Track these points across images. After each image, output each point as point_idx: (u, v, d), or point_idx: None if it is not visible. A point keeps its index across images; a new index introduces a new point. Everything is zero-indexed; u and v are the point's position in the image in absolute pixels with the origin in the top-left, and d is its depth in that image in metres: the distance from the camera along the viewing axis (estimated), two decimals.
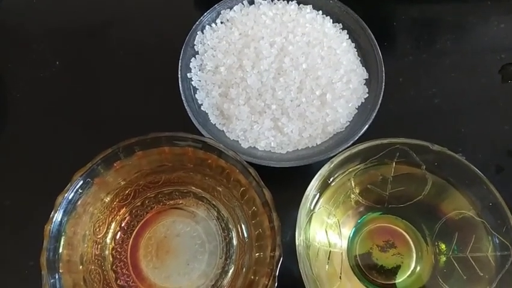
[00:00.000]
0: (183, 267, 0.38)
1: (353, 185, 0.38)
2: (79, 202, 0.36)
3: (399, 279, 0.38)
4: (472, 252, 0.36)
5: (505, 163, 0.45)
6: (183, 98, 0.41)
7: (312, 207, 0.37)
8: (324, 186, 0.37)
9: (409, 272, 0.38)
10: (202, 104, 0.43)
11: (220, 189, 0.39)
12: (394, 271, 0.38)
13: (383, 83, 0.42)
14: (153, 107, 0.47)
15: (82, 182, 0.35)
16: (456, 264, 0.36)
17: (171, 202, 0.40)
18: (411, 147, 0.36)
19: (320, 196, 0.37)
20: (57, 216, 0.34)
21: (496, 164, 0.45)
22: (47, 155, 0.45)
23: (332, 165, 0.36)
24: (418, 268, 0.38)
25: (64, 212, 0.34)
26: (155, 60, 0.48)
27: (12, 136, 0.47)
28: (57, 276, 0.33)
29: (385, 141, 0.36)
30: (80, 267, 0.36)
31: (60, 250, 0.34)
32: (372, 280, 0.38)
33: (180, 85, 0.42)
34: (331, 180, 0.37)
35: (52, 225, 0.33)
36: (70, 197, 0.35)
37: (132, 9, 0.53)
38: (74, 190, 0.35)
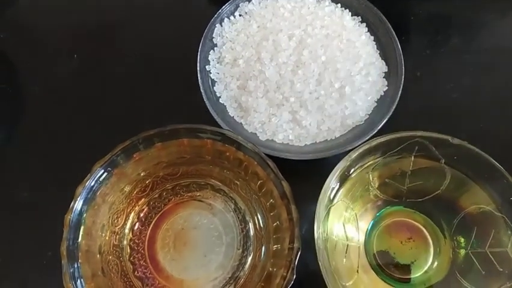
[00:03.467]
0: (200, 259, 0.38)
1: (371, 178, 0.38)
2: (99, 192, 0.36)
3: (417, 273, 0.38)
4: (491, 247, 0.36)
5: None
6: (202, 91, 0.41)
7: (330, 201, 0.37)
8: (342, 180, 0.37)
9: (427, 267, 0.38)
10: (220, 97, 0.43)
11: (238, 182, 0.39)
12: (411, 266, 0.38)
13: (403, 76, 0.42)
14: (172, 99, 0.47)
15: (101, 172, 0.35)
16: (474, 260, 0.36)
17: (189, 194, 0.40)
18: (430, 140, 0.36)
19: (338, 189, 0.37)
20: (77, 206, 0.34)
21: None
22: (66, 148, 0.45)
23: (350, 159, 0.36)
24: (436, 263, 0.38)
25: (84, 201, 0.35)
26: (174, 53, 0.48)
27: (31, 129, 0.47)
28: (76, 266, 0.34)
29: (404, 134, 0.36)
30: (99, 257, 0.36)
31: (80, 240, 0.35)
32: (389, 274, 0.38)
33: (199, 78, 0.42)
34: (349, 173, 0.37)
35: (72, 215, 0.34)
36: (89, 187, 0.35)
37: (151, 2, 0.53)
38: (94, 180, 0.35)
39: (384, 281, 0.38)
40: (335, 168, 0.36)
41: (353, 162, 0.36)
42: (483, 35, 0.52)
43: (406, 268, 0.38)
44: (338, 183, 0.37)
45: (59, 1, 0.54)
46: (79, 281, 0.33)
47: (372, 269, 0.38)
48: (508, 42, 0.51)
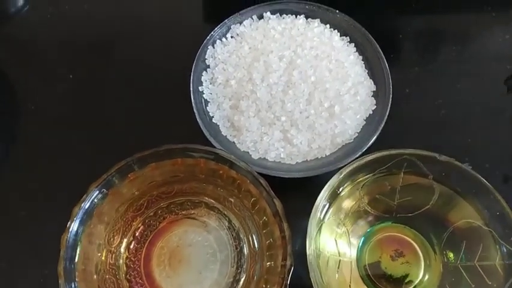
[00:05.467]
0: (195, 276, 0.38)
1: (362, 195, 0.39)
2: (94, 212, 0.36)
3: (408, 287, 0.39)
4: (479, 261, 0.36)
5: None
6: (195, 111, 0.42)
7: (321, 217, 0.37)
8: (333, 197, 0.38)
9: (417, 281, 0.39)
10: (213, 116, 0.44)
11: (232, 200, 0.40)
12: (403, 280, 0.39)
13: (391, 95, 0.43)
14: (166, 119, 0.47)
15: (97, 192, 0.36)
16: (464, 273, 0.37)
17: (183, 212, 0.40)
18: (418, 157, 0.36)
19: (329, 206, 0.38)
20: (73, 226, 0.35)
21: (504, 174, 0.45)
22: (62, 167, 0.46)
23: (341, 176, 0.36)
24: (426, 277, 0.39)
25: (80, 222, 0.35)
26: (168, 74, 0.49)
27: (27, 148, 0.48)
28: (73, 285, 0.34)
29: (393, 152, 0.36)
30: (95, 276, 0.36)
31: (76, 259, 0.35)
32: None
33: (192, 98, 0.42)
34: (340, 190, 0.38)
35: (69, 235, 0.34)
36: (86, 208, 0.35)
37: (144, 24, 0.54)
38: (90, 200, 0.36)
39: None
40: (326, 185, 0.36)
41: (343, 179, 0.37)
42: (471, 51, 0.53)
43: (397, 282, 0.39)
44: (329, 200, 0.37)
45: (57, 19, 0.55)
46: None
47: (364, 283, 0.39)
48: (496, 58, 0.52)
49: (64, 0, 0.55)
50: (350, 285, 0.38)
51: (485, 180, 0.35)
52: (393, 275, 0.39)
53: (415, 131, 0.47)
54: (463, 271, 0.37)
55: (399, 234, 0.40)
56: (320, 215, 0.36)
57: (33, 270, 0.42)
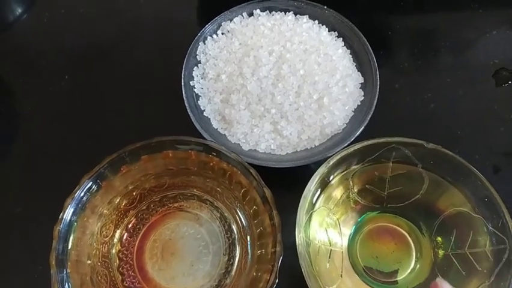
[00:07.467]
0: (188, 268, 0.39)
1: (352, 184, 0.39)
2: (87, 204, 0.37)
3: (400, 276, 0.39)
4: (470, 248, 0.36)
5: (502, 164, 0.46)
6: (186, 105, 0.42)
7: (311, 206, 0.37)
8: (323, 186, 0.38)
9: (409, 270, 0.39)
10: (204, 110, 0.45)
11: (223, 192, 0.40)
12: (395, 269, 0.39)
13: (378, 86, 0.43)
14: (158, 114, 0.48)
15: (90, 184, 0.36)
16: (455, 261, 0.37)
17: (175, 205, 0.41)
18: (406, 145, 0.37)
19: (319, 195, 0.38)
20: (66, 216, 0.35)
21: (493, 165, 0.46)
22: (57, 165, 0.47)
23: (329, 165, 0.37)
24: (418, 265, 0.39)
25: (73, 213, 0.36)
26: (160, 70, 0.50)
27: (24, 147, 0.48)
28: (65, 273, 0.34)
29: (380, 140, 0.37)
30: (88, 267, 0.37)
31: (69, 249, 0.35)
32: (373, 278, 0.39)
33: (184, 93, 0.43)
34: (330, 179, 0.38)
35: (61, 226, 0.35)
36: (78, 199, 0.36)
37: (138, 23, 0.55)
38: (83, 192, 0.36)
39: (368, 285, 0.38)
40: (315, 174, 0.36)
41: (331, 168, 0.37)
42: (459, 47, 0.53)
43: (389, 271, 0.39)
44: (319, 190, 0.38)
45: (52, 23, 0.56)
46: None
47: (356, 273, 0.39)
48: (483, 53, 0.52)
49: (60, 4, 0.57)
50: (341, 275, 0.38)
51: (471, 166, 0.36)
52: (385, 264, 0.39)
53: (405, 124, 0.48)
54: (453, 259, 0.37)
55: (390, 224, 0.40)
56: (309, 203, 0.37)
57: (28, 266, 0.42)
